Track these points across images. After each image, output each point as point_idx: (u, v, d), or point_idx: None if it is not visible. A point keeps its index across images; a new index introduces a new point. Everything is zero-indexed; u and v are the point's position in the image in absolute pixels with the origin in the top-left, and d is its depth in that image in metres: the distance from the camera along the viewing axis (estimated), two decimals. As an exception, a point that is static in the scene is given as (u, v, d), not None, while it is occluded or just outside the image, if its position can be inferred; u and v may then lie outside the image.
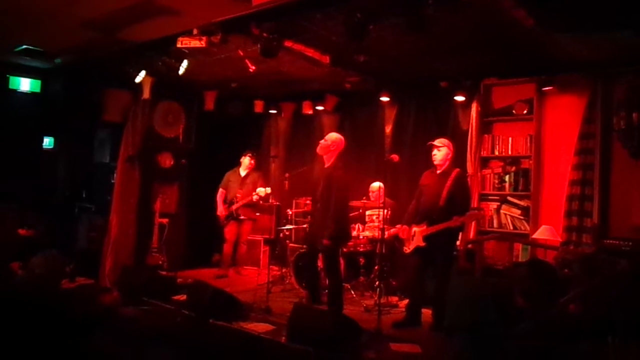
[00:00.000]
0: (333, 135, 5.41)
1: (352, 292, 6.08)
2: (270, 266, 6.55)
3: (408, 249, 5.24)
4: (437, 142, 5.25)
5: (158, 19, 4.98)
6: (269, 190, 7.13)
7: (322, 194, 5.22)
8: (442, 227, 4.96)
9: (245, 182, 7.44)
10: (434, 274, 5.11)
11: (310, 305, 5.42)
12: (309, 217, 6.37)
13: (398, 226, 5.68)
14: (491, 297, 1.97)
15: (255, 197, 7.14)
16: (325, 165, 5.34)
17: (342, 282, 5.54)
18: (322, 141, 5.37)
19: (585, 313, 3.29)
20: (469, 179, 6.15)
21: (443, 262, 5.08)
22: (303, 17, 4.76)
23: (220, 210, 7.42)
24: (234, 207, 7.34)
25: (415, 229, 5.20)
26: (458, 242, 5.60)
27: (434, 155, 5.24)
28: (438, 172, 5.23)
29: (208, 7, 4.70)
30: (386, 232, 5.50)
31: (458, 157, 5.79)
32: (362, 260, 6.28)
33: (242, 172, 7.55)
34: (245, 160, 7.53)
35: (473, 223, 6.19)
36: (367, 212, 6.60)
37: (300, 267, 6.42)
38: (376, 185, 6.51)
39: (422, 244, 5.06)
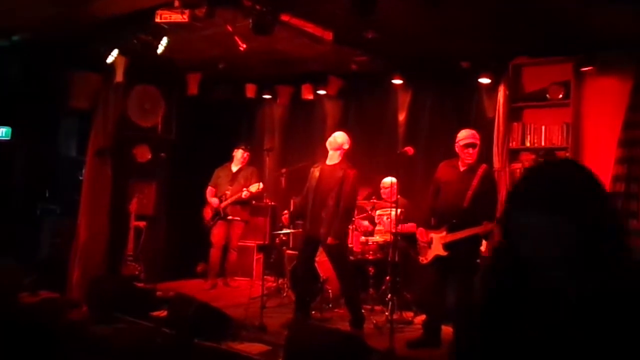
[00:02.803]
0: (343, 136, 5.79)
1: (360, 307, 6.08)
2: (265, 277, 6.54)
3: (425, 258, 5.19)
4: (473, 139, 5.08)
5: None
6: (261, 185, 7.14)
7: (329, 191, 5.59)
8: (467, 234, 4.89)
9: (237, 178, 7.45)
10: (455, 286, 5.07)
11: (311, 323, 5.43)
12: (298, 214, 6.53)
13: (412, 224, 5.68)
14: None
15: (245, 194, 7.15)
16: (329, 163, 5.74)
17: (357, 287, 5.86)
18: (333, 139, 5.77)
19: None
20: (495, 175, 6.12)
21: (465, 271, 5.00)
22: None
23: (208, 209, 7.42)
24: (222, 205, 7.33)
25: (432, 235, 5.14)
26: (482, 248, 5.58)
27: (471, 154, 5.07)
28: (462, 168, 5.13)
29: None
30: (400, 226, 5.51)
31: (483, 149, 5.75)
32: (371, 270, 6.28)
33: (234, 168, 7.56)
34: (238, 154, 7.55)
35: (501, 226, 6.15)
36: (377, 212, 6.58)
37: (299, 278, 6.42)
38: (388, 180, 6.48)
39: (443, 253, 5.00)
